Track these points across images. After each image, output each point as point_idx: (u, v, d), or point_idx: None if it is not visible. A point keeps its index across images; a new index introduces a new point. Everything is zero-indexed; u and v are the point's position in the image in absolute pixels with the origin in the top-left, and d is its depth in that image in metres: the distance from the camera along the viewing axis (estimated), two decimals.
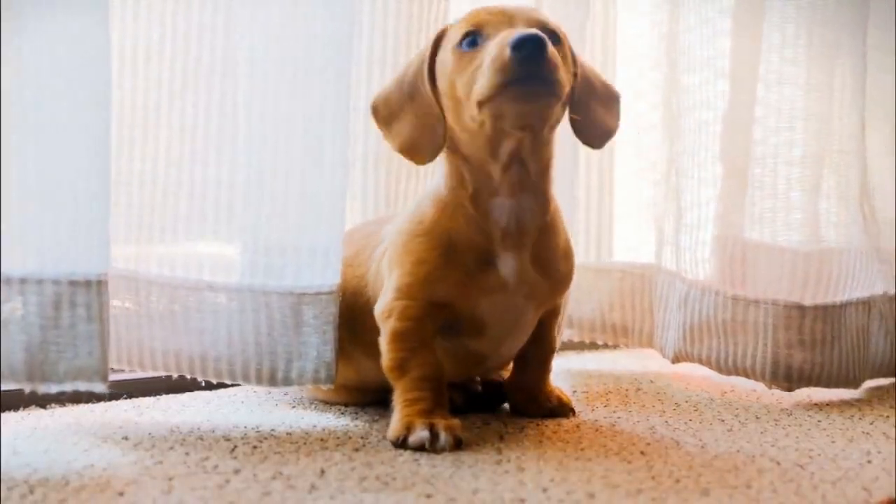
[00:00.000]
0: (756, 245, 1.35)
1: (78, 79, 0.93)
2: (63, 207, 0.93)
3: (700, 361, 1.36)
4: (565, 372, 1.43)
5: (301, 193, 1.07)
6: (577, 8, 1.36)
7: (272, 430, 1.06)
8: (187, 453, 0.95)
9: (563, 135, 1.16)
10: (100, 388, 0.95)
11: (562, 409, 1.15)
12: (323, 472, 0.90)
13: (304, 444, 1.00)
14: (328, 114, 1.07)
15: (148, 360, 1.09)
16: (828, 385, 1.30)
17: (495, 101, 0.95)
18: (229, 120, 1.09)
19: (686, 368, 1.43)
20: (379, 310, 1.05)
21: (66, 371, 0.93)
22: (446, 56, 1.02)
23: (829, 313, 1.30)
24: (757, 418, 1.17)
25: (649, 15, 1.48)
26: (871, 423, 1.16)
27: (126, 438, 1.00)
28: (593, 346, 1.61)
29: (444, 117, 1.03)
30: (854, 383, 1.32)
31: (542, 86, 0.95)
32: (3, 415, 1.08)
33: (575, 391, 1.30)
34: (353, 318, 1.10)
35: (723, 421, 1.15)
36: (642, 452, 0.99)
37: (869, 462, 0.98)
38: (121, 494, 0.82)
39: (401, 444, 0.99)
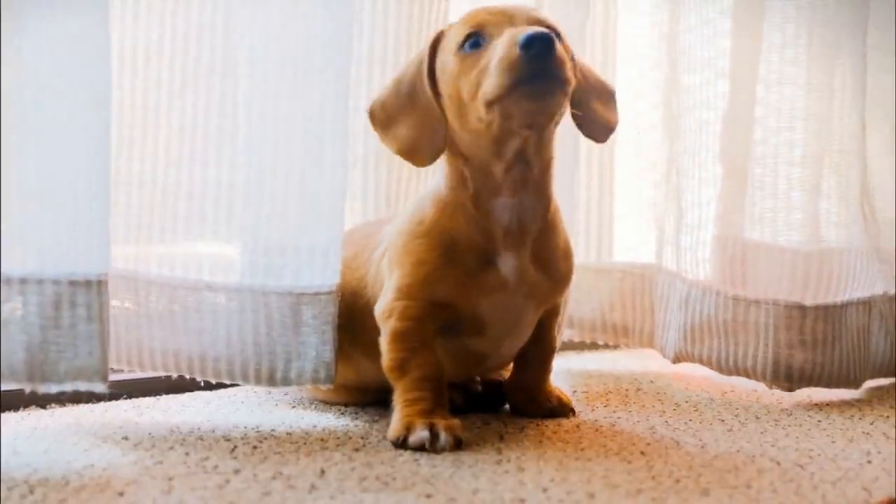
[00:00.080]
0: (757, 245, 1.35)
1: (78, 79, 0.93)
2: (63, 207, 0.93)
3: (701, 361, 1.35)
4: (565, 372, 1.43)
5: (301, 193, 1.07)
6: (577, 8, 1.36)
7: (272, 430, 1.06)
8: (187, 453, 0.95)
9: (563, 135, 1.16)
10: (100, 388, 0.95)
11: (562, 409, 1.15)
12: (323, 472, 0.90)
13: (304, 444, 1.00)
14: (328, 114, 1.07)
15: (147, 361, 1.09)
16: (828, 385, 1.30)
17: (505, 101, 0.95)
18: (229, 120, 1.09)
19: (686, 368, 1.43)
20: (379, 310, 1.05)
21: (66, 371, 0.93)
22: (448, 58, 1.01)
23: (829, 313, 1.30)
24: (757, 418, 1.17)
25: (649, 15, 1.49)
26: (871, 423, 1.16)
27: (126, 438, 1.00)
28: (593, 346, 1.61)
29: (444, 119, 1.03)
30: (854, 383, 1.32)
31: (553, 83, 0.95)
32: (3, 415, 1.08)
33: (575, 391, 1.30)
34: (352, 318, 1.10)
35: (723, 421, 1.15)
36: (642, 452, 0.99)
37: (869, 462, 0.98)
38: (121, 494, 0.82)
39: (401, 444, 0.99)
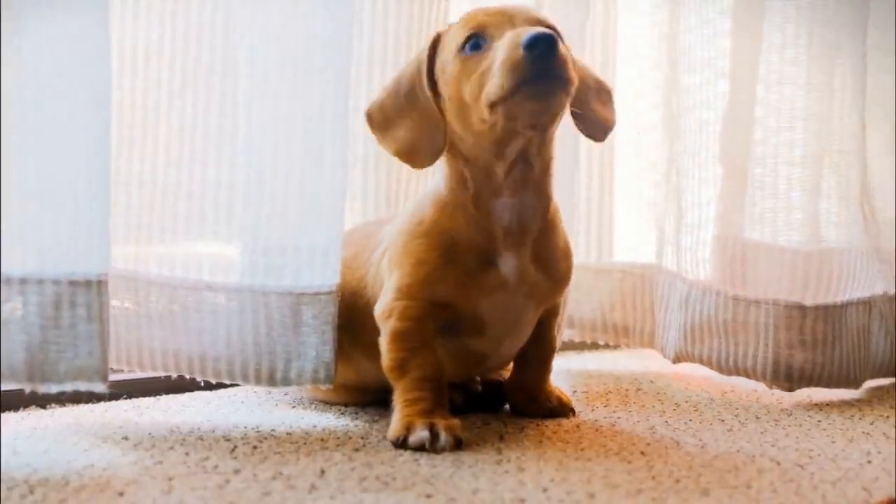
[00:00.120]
0: (757, 245, 1.35)
1: (78, 79, 0.93)
2: (63, 207, 0.93)
3: (701, 362, 1.36)
4: (565, 372, 1.43)
5: (301, 193, 1.07)
6: (577, 8, 1.36)
7: (272, 430, 1.06)
8: (187, 453, 0.95)
9: (563, 135, 1.16)
10: (100, 388, 0.95)
11: (562, 409, 1.15)
12: (323, 472, 0.90)
13: (304, 444, 1.00)
14: (328, 114, 1.07)
15: (147, 360, 1.09)
16: (828, 385, 1.30)
17: (509, 102, 0.95)
18: (229, 120, 1.09)
19: (686, 368, 1.43)
20: (379, 310, 1.05)
21: (66, 371, 0.93)
22: (448, 60, 1.01)
23: (829, 313, 1.30)
24: (757, 418, 1.17)
25: (649, 15, 1.48)
26: (871, 423, 1.16)
27: (126, 438, 1.00)
28: (593, 346, 1.61)
29: (444, 121, 1.03)
30: (855, 383, 1.32)
31: (556, 83, 0.95)
32: (3, 415, 1.08)
33: (575, 391, 1.30)
34: (352, 318, 1.10)
35: (723, 421, 1.15)
36: (642, 452, 0.99)
37: (869, 462, 0.98)
38: (121, 494, 0.82)
39: (401, 444, 0.99)
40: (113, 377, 1.05)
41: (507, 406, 1.18)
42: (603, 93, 1.10)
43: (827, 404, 1.27)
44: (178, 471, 0.89)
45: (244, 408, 1.16)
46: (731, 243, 1.35)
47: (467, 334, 1.07)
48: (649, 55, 1.49)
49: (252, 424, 1.08)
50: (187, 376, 1.09)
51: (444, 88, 1.02)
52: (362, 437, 1.03)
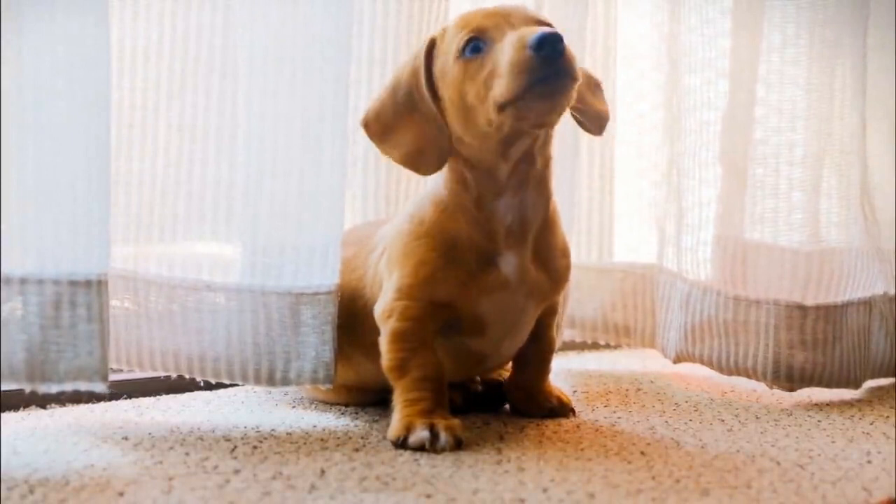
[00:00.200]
0: (757, 245, 1.35)
1: (78, 79, 0.94)
2: (63, 207, 0.93)
3: (701, 362, 1.35)
4: (565, 372, 1.43)
5: (300, 193, 1.07)
6: (577, 8, 1.36)
7: (272, 430, 1.06)
8: (187, 453, 0.95)
9: (563, 135, 1.16)
10: (100, 388, 0.95)
11: (562, 409, 1.15)
12: (323, 472, 0.90)
13: (304, 444, 1.00)
14: (327, 113, 1.07)
15: (147, 360, 1.09)
16: (829, 385, 1.30)
17: (519, 103, 0.95)
18: (228, 120, 1.09)
19: (686, 368, 1.43)
20: (379, 310, 1.05)
21: (66, 371, 0.93)
22: (448, 65, 1.01)
23: (830, 313, 1.30)
24: (757, 418, 1.17)
25: (650, 16, 1.48)
26: (871, 423, 1.16)
27: (126, 438, 1.00)
28: (594, 346, 1.61)
29: (447, 125, 1.02)
30: (855, 383, 1.32)
31: (565, 81, 0.95)
32: (3, 415, 1.08)
33: (575, 391, 1.30)
34: (351, 319, 1.10)
35: (723, 421, 1.15)
36: (642, 452, 0.99)
37: (869, 462, 0.98)
38: (121, 494, 0.82)
39: (401, 444, 0.99)
40: (113, 377, 1.05)
41: (507, 406, 1.18)
42: (594, 85, 1.10)
43: (827, 404, 1.27)
44: (178, 471, 0.89)
45: (244, 408, 1.16)
46: (732, 243, 1.35)
47: (467, 334, 1.07)
48: (650, 56, 1.49)
49: (252, 424, 1.08)
50: (187, 376, 1.09)
51: (446, 92, 1.02)
52: (362, 437, 1.03)
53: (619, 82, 1.49)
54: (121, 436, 1.01)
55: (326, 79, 1.06)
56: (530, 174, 1.03)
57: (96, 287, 0.95)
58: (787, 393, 1.31)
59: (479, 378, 1.20)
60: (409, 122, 1.03)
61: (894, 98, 1.48)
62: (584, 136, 1.42)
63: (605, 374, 1.44)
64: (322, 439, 1.02)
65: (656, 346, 1.45)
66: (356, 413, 1.15)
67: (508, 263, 1.04)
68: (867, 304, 1.34)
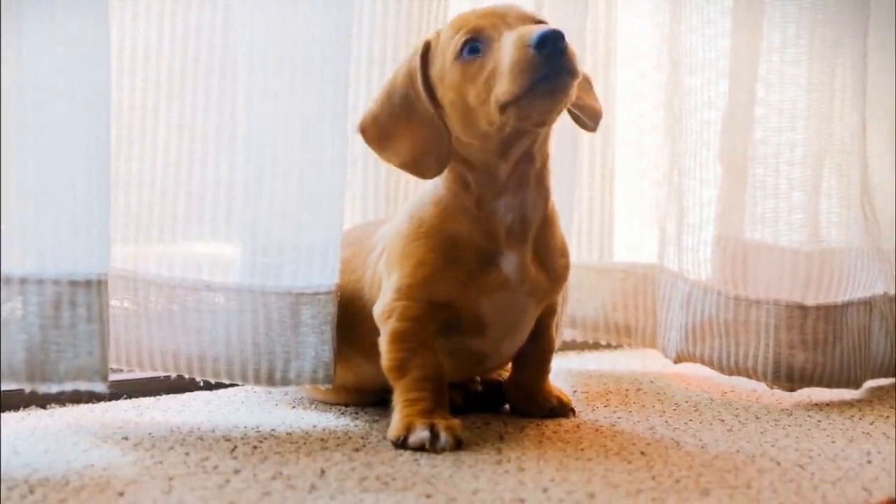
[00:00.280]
0: (758, 245, 1.35)
1: (78, 79, 0.94)
2: (63, 207, 0.93)
3: (702, 361, 1.35)
4: (565, 372, 1.43)
5: (299, 193, 1.07)
6: (577, 8, 1.36)
7: (272, 430, 1.06)
8: (187, 453, 0.95)
9: (562, 135, 1.16)
10: (100, 388, 0.95)
11: (562, 409, 1.15)
12: (323, 472, 0.90)
13: (304, 444, 1.00)
14: (327, 113, 1.07)
15: (146, 360, 1.09)
16: (829, 385, 1.30)
17: (522, 102, 0.95)
18: (228, 119, 1.09)
19: (687, 368, 1.43)
20: (378, 310, 1.05)
21: (66, 371, 0.93)
22: (446, 68, 1.01)
23: (830, 313, 1.30)
24: (757, 418, 1.17)
25: (651, 16, 1.48)
26: (871, 423, 1.16)
27: (126, 438, 1.00)
28: (594, 345, 1.61)
29: (446, 128, 1.02)
30: (855, 383, 1.32)
31: (567, 78, 0.95)
32: (3, 415, 1.08)
33: (575, 391, 1.30)
34: (350, 320, 1.10)
35: (723, 421, 1.15)
36: (642, 452, 0.99)
37: (869, 462, 0.98)
38: (121, 494, 0.82)
39: (401, 444, 0.99)
40: (113, 377, 1.05)
41: (507, 406, 1.18)
42: (585, 81, 1.10)
43: (827, 404, 1.27)
44: (178, 471, 0.89)
45: (244, 408, 1.16)
46: (732, 243, 1.35)
47: (468, 334, 1.07)
48: (651, 56, 1.49)
49: (252, 424, 1.08)
50: (187, 376, 1.09)
51: (445, 95, 1.02)
52: (362, 437, 1.03)
53: (619, 82, 1.49)
54: (121, 436, 1.01)
55: (326, 78, 1.06)
56: (530, 173, 1.03)
57: (96, 287, 0.95)
58: (787, 393, 1.31)
59: (479, 378, 1.20)
60: (407, 127, 1.03)
61: (894, 98, 1.48)
62: (585, 136, 1.42)
63: (605, 374, 1.44)
64: (322, 439, 1.02)
65: (657, 346, 1.45)
66: (356, 413, 1.15)
67: (509, 263, 1.04)
68: (867, 304, 1.34)
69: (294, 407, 1.17)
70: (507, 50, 0.95)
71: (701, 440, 1.05)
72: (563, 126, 1.06)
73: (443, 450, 0.97)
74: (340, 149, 1.08)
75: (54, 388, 0.93)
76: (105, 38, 0.95)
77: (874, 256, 1.37)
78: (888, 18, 1.46)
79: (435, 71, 1.02)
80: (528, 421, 1.12)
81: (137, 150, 1.09)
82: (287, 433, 1.04)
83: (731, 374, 1.33)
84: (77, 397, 1.13)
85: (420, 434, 0.98)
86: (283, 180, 1.07)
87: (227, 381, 1.10)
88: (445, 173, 1.05)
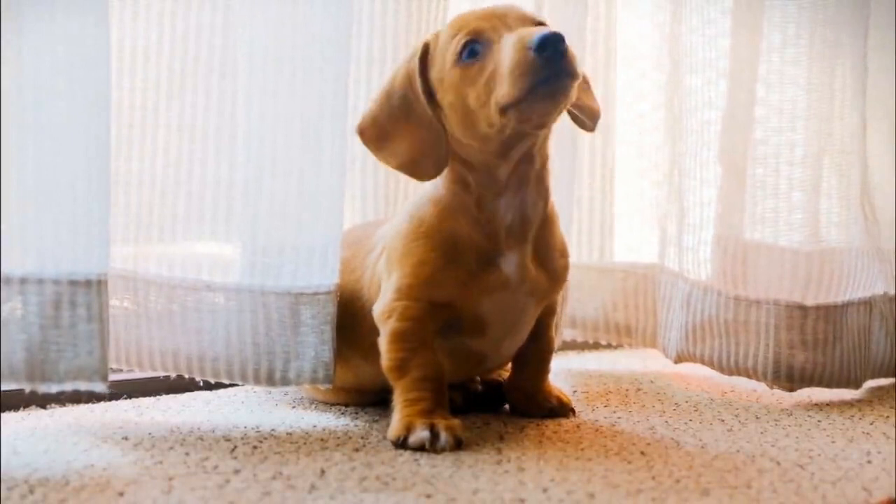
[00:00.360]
0: (758, 245, 1.35)
1: (78, 79, 0.94)
2: (63, 207, 0.93)
3: (702, 361, 1.35)
4: (565, 372, 1.43)
5: (299, 193, 1.07)
6: (577, 8, 1.36)
7: (272, 430, 1.06)
8: (187, 453, 0.95)
9: (562, 136, 1.16)
10: (100, 388, 0.95)
11: (562, 409, 1.15)
12: (323, 472, 0.90)
13: (304, 444, 1.00)
14: (327, 113, 1.07)
15: (146, 360, 1.09)
16: (829, 385, 1.30)
17: (522, 104, 0.95)
18: (228, 119, 1.09)
19: (687, 368, 1.43)
20: (378, 310, 1.05)
21: (66, 371, 0.93)
22: (445, 70, 1.00)
23: (830, 313, 1.30)
24: (757, 418, 1.17)
25: (651, 16, 1.48)
26: (871, 423, 1.16)
27: (126, 438, 1.00)
28: (594, 345, 1.61)
29: (444, 130, 1.02)
30: (855, 383, 1.32)
31: (567, 80, 0.95)
32: (3, 415, 1.08)
33: (575, 391, 1.30)
34: (349, 321, 1.10)
35: (723, 421, 1.15)
36: (642, 452, 0.99)
37: (869, 462, 0.98)
38: (121, 494, 0.82)
39: (401, 444, 0.99)
40: (113, 377, 1.05)
41: (507, 406, 1.18)
42: (583, 82, 1.10)
43: (827, 404, 1.27)
44: (178, 471, 0.89)
45: (244, 408, 1.16)
46: (732, 243, 1.35)
47: (468, 334, 1.07)
48: (651, 56, 1.49)
49: (252, 424, 1.08)
50: (187, 376, 1.09)
51: (445, 97, 1.01)
52: (362, 437, 1.03)
53: (619, 82, 1.49)
54: (121, 436, 1.01)
55: (326, 78, 1.06)
56: (530, 173, 1.04)
57: (96, 287, 0.95)
58: (787, 393, 1.31)
59: (479, 378, 1.20)
60: (406, 128, 1.03)
61: (894, 98, 1.48)
62: (585, 136, 1.42)
63: (605, 374, 1.44)
64: (322, 439, 1.02)
65: (657, 346, 1.45)
66: (356, 413, 1.15)
67: (510, 263, 1.04)
68: (867, 304, 1.34)
69: (294, 407, 1.17)
70: (507, 52, 0.95)
71: (701, 440, 1.05)
72: (562, 126, 1.06)
73: (443, 450, 0.97)
74: (340, 149, 1.08)
75: (54, 388, 0.93)
76: (105, 38, 0.95)
77: (874, 256, 1.37)
78: (888, 18, 1.46)
79: (434, 73, 1.02)
80: (528, 421, 1.12)
81: (137, 150, 1.09)
82: (287, 433, 1.04)
83: (731, 374, 1.33)
84: (77, 397, 1.13)
85: (420, 434, 0.98)
86: (282, 180, 1.07)
87: (227, 381, 1.10)
88: (445, 173, 1.05)
